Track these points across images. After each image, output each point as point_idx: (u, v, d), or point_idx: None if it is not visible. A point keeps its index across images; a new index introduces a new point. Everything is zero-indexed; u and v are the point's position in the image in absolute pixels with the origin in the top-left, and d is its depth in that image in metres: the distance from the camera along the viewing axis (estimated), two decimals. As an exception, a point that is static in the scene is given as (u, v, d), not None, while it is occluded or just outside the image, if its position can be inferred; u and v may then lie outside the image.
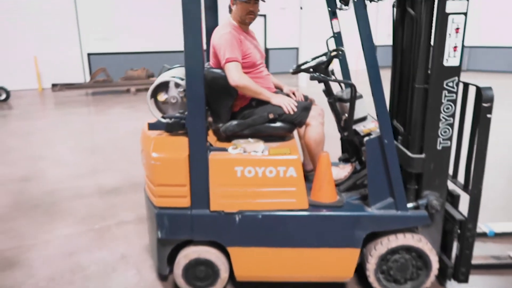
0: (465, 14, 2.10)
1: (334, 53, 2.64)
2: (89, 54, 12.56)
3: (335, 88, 2.72)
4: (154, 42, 13.15)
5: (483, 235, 3.13)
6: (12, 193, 4.14)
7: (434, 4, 2.17)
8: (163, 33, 13.15)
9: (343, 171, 2.69)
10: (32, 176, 4.60)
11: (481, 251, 2.91)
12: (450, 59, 2.16)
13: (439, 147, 2.28)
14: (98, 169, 4.82)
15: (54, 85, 10.57)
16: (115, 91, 11.13)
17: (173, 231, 2.39)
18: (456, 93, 2.21)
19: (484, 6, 14.31)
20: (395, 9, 2.57)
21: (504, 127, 6.63)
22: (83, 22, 12.18)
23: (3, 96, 9.78)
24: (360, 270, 2.53)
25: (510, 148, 5.57)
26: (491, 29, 14.39)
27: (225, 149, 2.35)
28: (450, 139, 2.28)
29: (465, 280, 2.46)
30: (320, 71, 2.58)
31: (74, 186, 4.30)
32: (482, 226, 3.18)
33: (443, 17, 2.10)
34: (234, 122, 2.50)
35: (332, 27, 2.86)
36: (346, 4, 2.46)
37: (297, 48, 14.30)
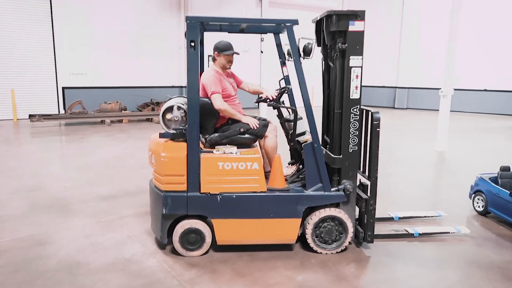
0: (361, 67, 3.43)
1: (284, 89, 3.92)
2: (63, 88, 13.38)
3: (285, 112, 3.98)
4: (125, 78, 14.21)
5: (391, 219, 4.41)
6: (27, 199, 5.00)
7: (344, 60, 3.49)
8: (135, 70, 14.29)
9: (290, 170, 3.91)
10: (39, 188, 5.46)
11: (387, 228, 4.17)
12: (354, 94, 3.48)
13: (350, 150, 3.55)
14: (94, 183, 5.75)
15: (32, 116, 11.28)
16: (89, 122, 11.96)
17: (174, 208, 3.46)
18: (359, 115, 3.51)
19: (424, 53, 16.52)
20: (323, 62, 3.90)
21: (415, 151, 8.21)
22: (60, 57, 13.08)
23: (-17, 125, 10.40)
24: (302, 238, 3.67)
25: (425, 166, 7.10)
26: (429, 73, 16.42)
27: (211, 151, 3.50)
28: (357, 145, 3.55)
29: (371, 241, 3.68)
30: (275, 101, 3.84)
31: (77, 194, 5.22)
32: (391, 213, 4.46)
33: (348, 69, 3.43)
34: (217, 134, 3.67)
35: (282, 72, 4.14)
36: (291, 57, 3.75)
37: (258, 86, 15.82)
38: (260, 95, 4.01)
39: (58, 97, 13.32)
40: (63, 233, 4.02)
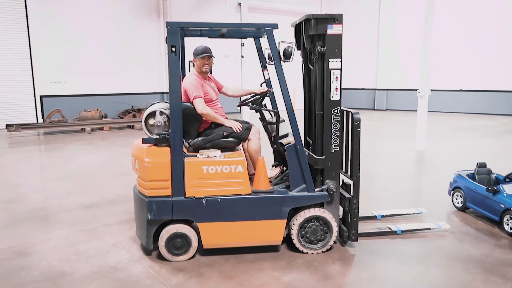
0: (340, 69, 3.50)
1: (265, 91, 3.96)
2: (41, 96, 13.12)
3: (268, 115, 4.02)
4: (106, 86, 14.04)
5: (374, 217, 4.48)
6: (5, 211, 4.88)
7: (323, 63, 3.55)
8: (115, 77, 14.14)
9: (274, 172, 3.95)
10: (17, 199, 5.34)
11: (371, 226, 4.25)
12: (334, 96, 3.54)
13: (332, 151, 3.61)
14: (74, 192, 5.65)
15: (9, 125, 11.02)
16: (69, 131, 11.76)
17: (159, 213, 3.45)
18: (340, 116, 3.57)
19: (401, 55, 16.84)
20: (303, 65, 3.96)
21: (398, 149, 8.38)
22: (37, 65, 12.83)
23: (-43, 136, 10.11)
24: (288, 239, 3.70)
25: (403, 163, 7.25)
26: (406, 75, 16.71)
27: (195, 155, 3.50)
28: (339, 145, 3.62)
29: (356, 239, 3.74)
30: (257, 104, 3.87)
31: (57, 204, 5.12)
32: (374, 212, 4.54)
33: (328, 71, 3.50)
34: (200, 138, 3.68)
35: (263, 75, 4.18)
36: (272, 61, 3.80)
37: (240, 91, 15.84)
38: (243, 99, 4.05)
39: (36, 105, 13.06)
40: (44, 243, 3.95)
